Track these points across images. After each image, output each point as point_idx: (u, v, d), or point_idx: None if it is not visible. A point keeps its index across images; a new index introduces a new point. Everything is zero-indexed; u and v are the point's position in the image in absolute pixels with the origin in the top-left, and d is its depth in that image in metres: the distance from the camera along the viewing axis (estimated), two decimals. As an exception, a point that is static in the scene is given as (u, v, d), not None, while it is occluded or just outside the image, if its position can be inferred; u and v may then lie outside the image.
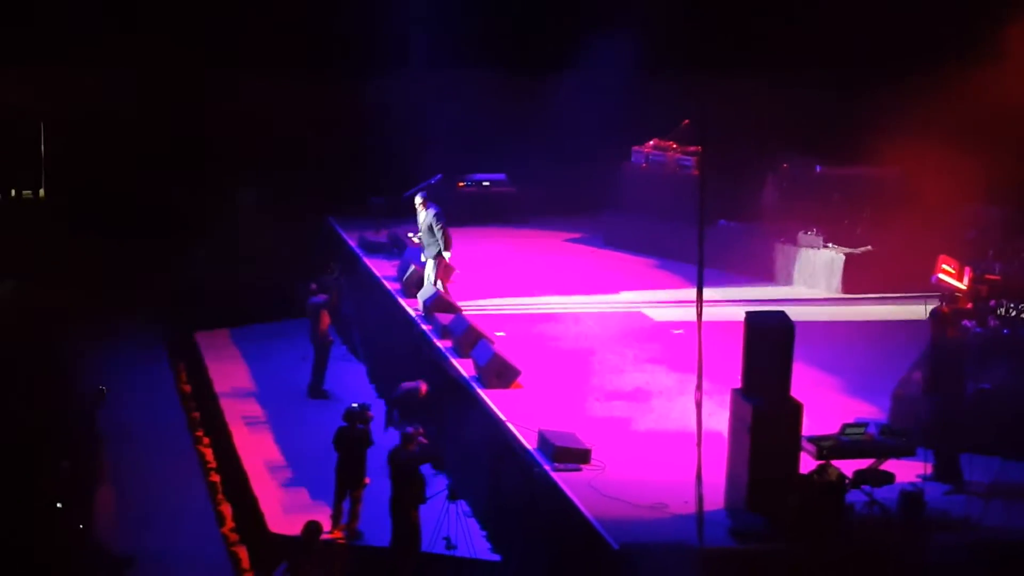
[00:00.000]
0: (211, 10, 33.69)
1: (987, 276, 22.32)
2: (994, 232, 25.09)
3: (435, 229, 24.96)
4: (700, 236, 16.21)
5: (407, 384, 22.47)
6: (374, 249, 29.66)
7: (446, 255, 25.16)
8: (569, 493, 17.47)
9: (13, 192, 35.63)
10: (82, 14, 33.49)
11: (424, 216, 25.20)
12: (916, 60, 28.60)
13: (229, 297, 32.01)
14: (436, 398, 22.35)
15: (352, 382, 27.74)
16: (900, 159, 27.26)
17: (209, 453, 25.18)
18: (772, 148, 29.76)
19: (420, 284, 25.50)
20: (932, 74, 27.19)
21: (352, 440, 20.76)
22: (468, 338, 22.71)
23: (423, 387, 22.31)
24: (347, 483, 20.87)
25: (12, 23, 33.41)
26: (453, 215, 26.26)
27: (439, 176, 26.73)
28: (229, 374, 28.86)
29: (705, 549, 15.78)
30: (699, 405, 15.93)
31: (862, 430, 17.18)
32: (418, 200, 25.44)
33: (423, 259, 25.51)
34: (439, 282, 25.25)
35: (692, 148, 30.18)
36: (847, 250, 27.72)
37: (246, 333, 31.84)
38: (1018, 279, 22.13)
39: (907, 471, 17.54)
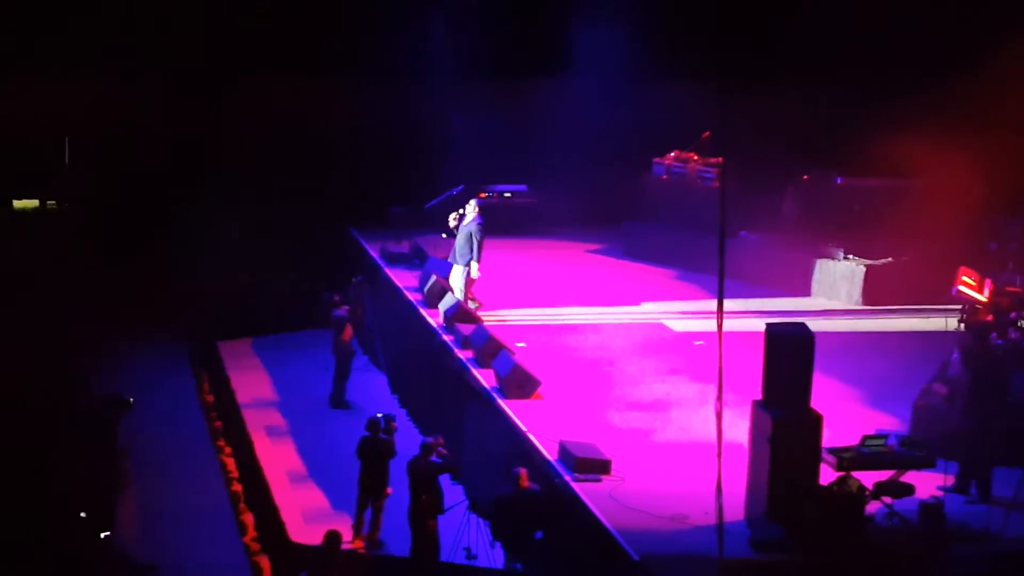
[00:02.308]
0: (232, 21, 33.82)
1: (1008, 288, 22.35)
2: (1015, 244, 25.10)
3: (474, 237, 25.12)
4: (721, 247, 16.25)
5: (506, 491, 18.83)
6: (396, 260, 29.72)
7: (474, 266, 25.32)
8: (590, 504, 17.51)
9: (39, 202, 35.80)
10: (104, 24, 33.70)
11: (468, 221, 25.37)
12: (936, 71, 28.62)
13: (251, 306, 32.13)
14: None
15: (374, 392, 27.82)
16: (920, 171, 27.30)
17: (231, 462, 25.26)
18: (793, 159, 29.80)
19: (442, 295, 25.59)
20: (952, 85, 27.24)
21: (375, 450, 20.84)
22: (489, 349, 22.75)
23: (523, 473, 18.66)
24: (369, 493, 20.94)
25: (33, 35, 33.62)
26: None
27: (461, 187, 26.84)
28: (251, 384, 28.95)
29: (725, 560, 15.81)
30: (719, 416, 15.96)
31: (882, 442, 17.20)
32: (472, 203, 25.56)
33: (454, 262, 25.61)
34: (464, 290, 25.43)
35: (713, 159, 30.23)
36: (867, 261, 27.74)
37: (268, 343, 31.95)
38: (1039, 291, 22.16)
39: (927, 483, 17.55)
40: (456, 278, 25.58)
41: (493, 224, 31.41)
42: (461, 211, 25.59)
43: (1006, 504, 17.26)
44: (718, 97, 27.18)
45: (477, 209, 25.59)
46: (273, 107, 34.20)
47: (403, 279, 28.33)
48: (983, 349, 18.45)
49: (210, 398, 28.75)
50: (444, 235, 27.18)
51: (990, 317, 21.42)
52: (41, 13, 33.73)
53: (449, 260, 25.85)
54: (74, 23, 33.67)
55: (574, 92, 32.25)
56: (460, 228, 25.49)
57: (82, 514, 20.47)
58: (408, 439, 22.01)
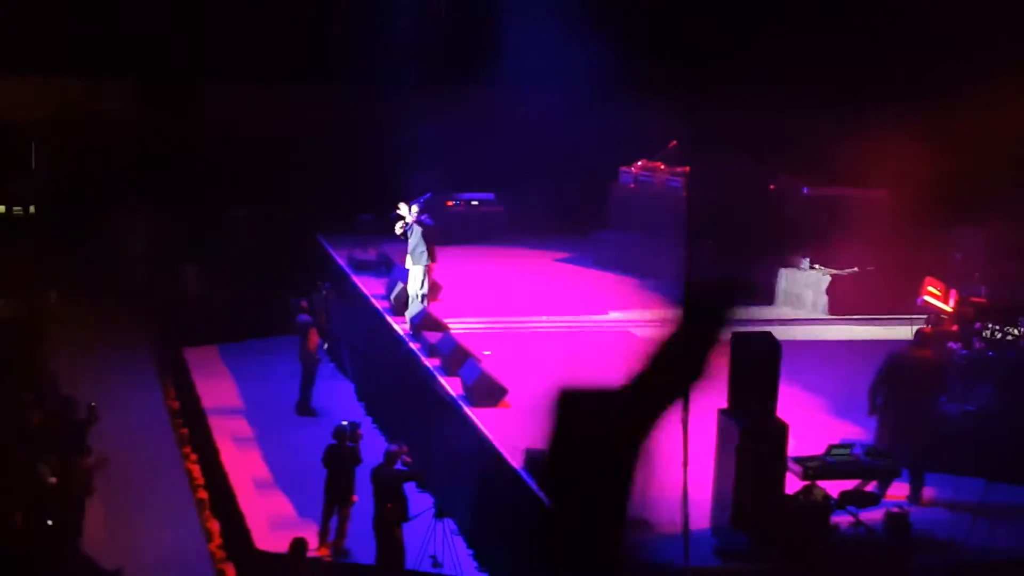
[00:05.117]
0: (201, 28, 33.81)
1: (972, 298, 22.45)
2: (979, 254, 25.23)
3: (421, 236, 25.19)
4: (687, 256, 16.31)
5: None
6: (362, 267, 29.73)
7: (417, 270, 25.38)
8: (556, 512, 17.50)
9: (3, 207, 35.69)
10: (77, 28, 33.67)
11: (412, 223, 25.41)
12: (902, 82, 28.77)
13: (218, 313, 32.07)
14: None
15: (340, 400, 27.79)
16: (887, 181, 27.44)
17: (197, 470, 25.21)
18: (759, 169, 29.88)
19: (408, 302, 25.63)
20: (919, 96, 27.37)
21: (341, 458, 20.83)
22: (456, 357, 22.78)
23: None
24: (335, 500, 20.93)
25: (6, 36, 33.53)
26: (442, 234, 26.40)
27: (428, 194, 26.86)
28: (217, 391, 28.89)
29: (691, 568, 15.85)
30: (685, 425, 15.99)
31: (848, 451, 17.27)
32: (414, 207, 25.56)
33: (410, 266, 25.63)
34: (424, 294, 25.45)
35: (680, 169, 30.30)
36: (833, 271, 27.85)
37: (234, 350, 31.87)
38: (1003, 301, 22.26)
39: (893, 492, 17.62)
40: (415, 281, 25.58)
41: (461, 232, 31.63)
42: (405, 221, 25.59)
43: (971, 512, 17.35)
44: (685, 106, 27.31)
45: (416, 209, 25.56)
46: (240, 113, 34.19)
47: (370, 286, 28.33)
48: (912, 355, 18.57)
49: (176, 405, 28.68)
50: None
51: (955, 327, 21.55)
52: (8, 18, 33.68)
53: (406, 266, 25.85)
54: (43, 28, 33.62)
55: (542, 101, 32.28)
56: (409, 232, 25.48)
57: (48, 522, 20.37)
58: (375, 447, 22.00)
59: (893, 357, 18.73)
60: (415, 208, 25.54)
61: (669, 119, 28.96)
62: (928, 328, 19.82)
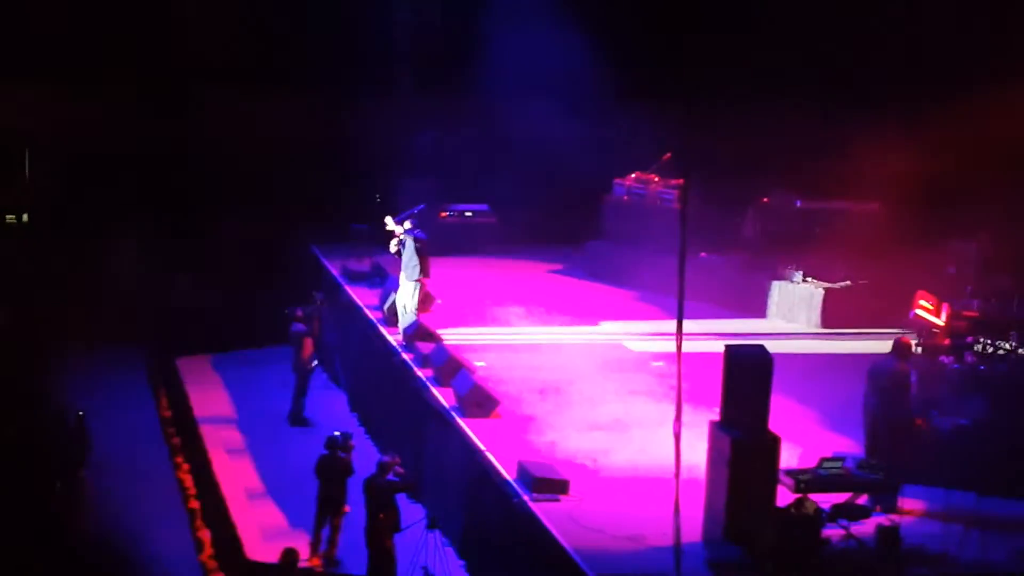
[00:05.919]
0: (197, 36, 33.83)
1: (965, 312, 22.46)
2: (972, 268, 25.25)
3: (416, 250, 25.21)
4: (681, 269, 16.32)
5: None
6: (356, 278, 29.73)
7: (411, 286, 25.39)
8: (547, 524, 17.52)
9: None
10: (69, 37, 33.68)
11: (404, 237, 25.41)
12: (896, 95, 28.80)
13: (210, 322, 32.05)
14: None
15: (333, 410, 27.78)
16: (880, 194, 27.45)
17: (188, 479, 25.18)
18: (753, 182, 29.91)
19: (399, 314, 25.62)
20: (912, 110, 27.41)
21: (333, 468, 20.81)
22: (448, 367, 22.78)
23: None
24: (327, 511, 20.92)
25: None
26: (435, 245, 26.42)
27: (422, 206, 26.88)
28: (210, 400, 28.88)
29: (683, 581, 15.86)
30: (678, 437, 16.01)
31: (839, 464, 17.27)
32: (408, 224, 25.56)
33: (405, 279, 25.64)
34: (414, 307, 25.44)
35: (674, 181, 30.31)
36: (826, 284, 27.85)
37: (227, 359, 31.87)
38: (995, 315, 22.28)
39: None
40: (406, 295, 25.54)
41: (455, 243, 31.65)
42: (399, 238, 25.61)
43: (963, 525, 17.35)
44: (679, 118, 27.32)
45: (408, 224, 25.56)
46: (234, 122, 34.17)
47: (363, 297, 28.34)
48: (886, 364, 18.62)
49: (168, 414, 28.65)
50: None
51: (947, 341, 21.56)
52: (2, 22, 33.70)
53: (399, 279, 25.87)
54: (34, 35, 33.63)
55: (536, 111, 32.28)
56: (403, 247, 25.47)
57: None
58: (367, 457, 21.98)
59: (872, 367, 18.82)
60: (407, 223, 25.53)
61: (663, 131, 28.92)
62: (906, 338, 19.80)
